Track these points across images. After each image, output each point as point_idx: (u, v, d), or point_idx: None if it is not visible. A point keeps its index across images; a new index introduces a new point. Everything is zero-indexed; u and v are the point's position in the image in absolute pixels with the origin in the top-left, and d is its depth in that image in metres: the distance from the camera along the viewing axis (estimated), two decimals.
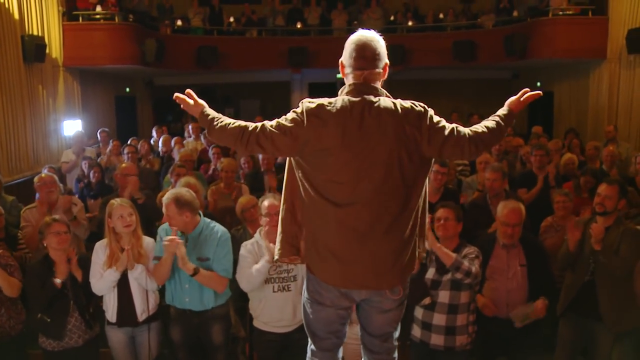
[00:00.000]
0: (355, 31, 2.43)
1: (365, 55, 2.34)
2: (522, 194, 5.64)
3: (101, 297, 3.97)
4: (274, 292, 3.85)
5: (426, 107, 2.34)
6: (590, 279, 3.95)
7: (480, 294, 3.96)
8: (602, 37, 11.06)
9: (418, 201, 2.37)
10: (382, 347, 2.59)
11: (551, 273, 4.14)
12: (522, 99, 2.49)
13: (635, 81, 10.29)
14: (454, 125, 2.37)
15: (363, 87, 2.33)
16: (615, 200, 3.97)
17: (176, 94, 2.47)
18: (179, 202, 3.72)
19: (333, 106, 2.28)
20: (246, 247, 3.91)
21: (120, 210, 3.84)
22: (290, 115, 2.32)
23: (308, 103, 2.32)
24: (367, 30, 2.40)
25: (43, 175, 5.24)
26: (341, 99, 2.31)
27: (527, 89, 2.52)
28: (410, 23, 14.13)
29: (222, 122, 2.36)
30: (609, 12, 11.01)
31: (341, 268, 2.32)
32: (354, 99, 2.29)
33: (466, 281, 3.65)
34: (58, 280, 3.76)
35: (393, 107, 2.29)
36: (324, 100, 2.31)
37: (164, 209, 3.79)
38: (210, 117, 2.40)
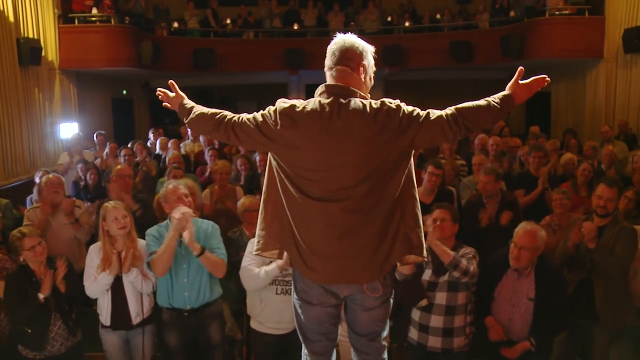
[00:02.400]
0: (351, 32, 2.46)
1: (334, 54, 2.40)
2: (519, 195, 5.62)
3: (87, 302, 3.95)
4: (277, 294, 3.85)
5: (399, 102, 2.34)
6: (586, 277, 3.94)
7: (490, 315, 3.88)
8: (599, 37, 11.09)
9: (395, 197, 2.37)
10: (370, 346, 2.59)
11: (563, 311, 3.75)
12: (527, 82, 2.32)
13: (632, 81, 10.31)
14: (428, 110, 2.32)
15: (336, 89, 2.35)
16: (616, 202, 3.98)
17: (159, 89, 2.66)
18: (184, 185, 3.90)
19: (304, 107, 2.31)
20: (249, 250, 3.88)
21: (114, 212, 3.82)
22: (266, 112, 2.39)
23: (282, 103, 2.37)
24: (347, 34, 2.44)
25: (50, 176, 5.24)
26: (313, 100, 2.35)
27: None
28: (407, 24, 14.13)
29: (200, 110, 2.53)
30: (605, 11, 11.04)
31: (319, 263, 2.36)
32: (325, 100, 2.32)
33: (464, 280, 3.61)
34: (42, 296, 3.72)
35: (362, 108, 2.28)
36: (297, 101, 2.36)
37: (170, 195, 3.82)
38: (189, 106, 2.57)
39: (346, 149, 2.26)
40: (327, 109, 2.28)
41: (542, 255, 3.77)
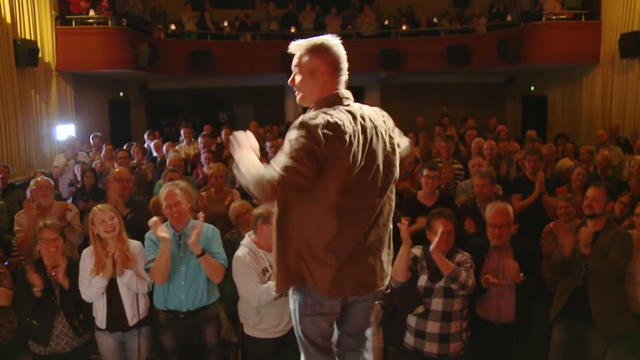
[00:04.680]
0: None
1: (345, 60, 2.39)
2: (516, 199, 5.62)
3: (92, 304, 3.93)
4: (275, 299, 3.79)
5: None
6: (582, 283, 3.93)
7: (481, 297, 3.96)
8: (595, 42, 11.12)
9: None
10: (359, 343, 2.64)
11: (540, 277, 4.15)
12: None
13: (628, 85, 10.34)
14: None
15: (345, 95, 2.35)
16: (603, 202, 3.96)
17: (232, 134, 2.37)
18: (181, 189, 3.87)
19: (337, 119, 2.20)
20: (244, 261, 3.78)
21: (101, 215, 3.82)
22: (303, 139, 2.16)
23: (313, 122, 2.17)
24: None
25: (39, 179, 5.21)
26: (339, 111, 2.25)
27: None
28: (404, 27, 14.17)
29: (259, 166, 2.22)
30: (602, 16, 11.07)
31: (357, 273, 2.34)
32: (350, 109, 2.30)
33: (460, 292, 3.65)
34: (36, 289, 3.74)
35: (376, 112, 2.40)
36: (327, 116, 2.20)
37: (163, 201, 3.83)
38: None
39: (379, 156, 2.32)
40: (356, 118, 2.27)
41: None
